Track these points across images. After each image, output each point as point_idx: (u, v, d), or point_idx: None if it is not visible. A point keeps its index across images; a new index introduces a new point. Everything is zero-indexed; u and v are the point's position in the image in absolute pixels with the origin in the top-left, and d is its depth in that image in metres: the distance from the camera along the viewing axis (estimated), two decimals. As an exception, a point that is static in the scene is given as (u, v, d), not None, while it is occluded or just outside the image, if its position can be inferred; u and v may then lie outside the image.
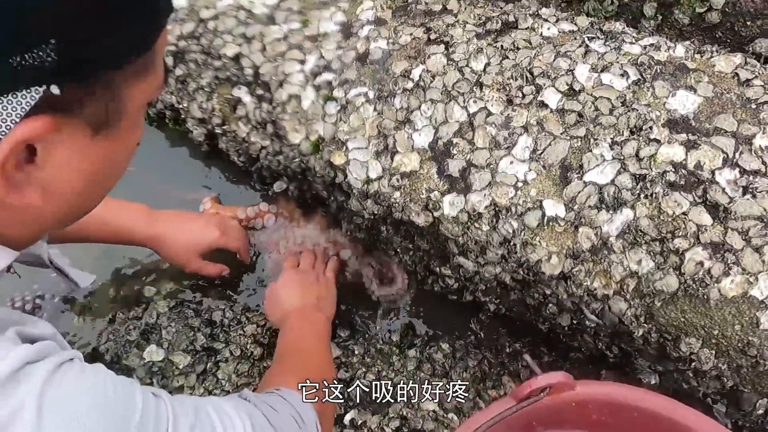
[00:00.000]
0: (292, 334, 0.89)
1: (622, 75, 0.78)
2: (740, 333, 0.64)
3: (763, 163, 0.67)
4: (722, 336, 0.65)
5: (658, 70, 0.78)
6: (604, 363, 0.90)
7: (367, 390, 0.93)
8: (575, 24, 0.89)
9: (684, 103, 0.74)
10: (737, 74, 0.76)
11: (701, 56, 0.80)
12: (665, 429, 0.57)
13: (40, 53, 0.37)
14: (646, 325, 0.70)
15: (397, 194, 0.85)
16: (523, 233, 0.75)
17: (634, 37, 0.85)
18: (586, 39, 0.85)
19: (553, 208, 0.73)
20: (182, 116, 1.17)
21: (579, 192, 0.72)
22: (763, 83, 0.74)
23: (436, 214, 0.82)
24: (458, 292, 1.03)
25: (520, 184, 0.76)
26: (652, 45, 0.82)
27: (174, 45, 1.11)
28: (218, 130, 1.11)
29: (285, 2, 1.06)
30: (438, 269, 0.99)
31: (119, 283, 1.14)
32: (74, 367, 0.45)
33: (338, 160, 0.90)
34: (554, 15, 0.92)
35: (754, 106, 0.72)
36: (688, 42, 0.84)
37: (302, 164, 0.97)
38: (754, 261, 0.63)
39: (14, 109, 0.38)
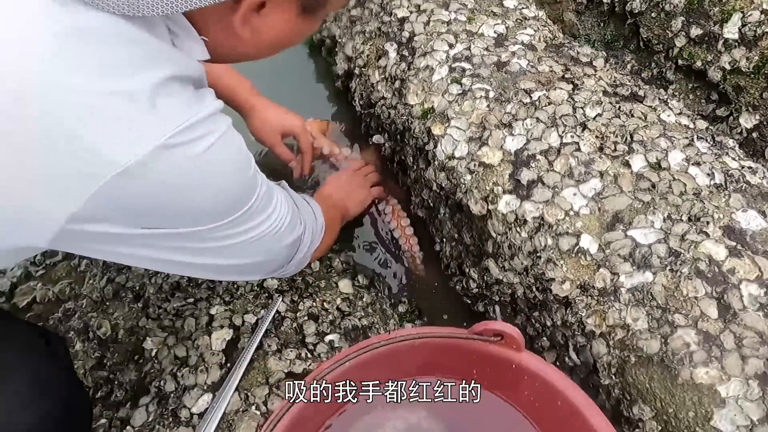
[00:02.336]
0: (326, 203, 1.07)
1: (708, 174, 0.84)
2: (691, 421, 0.67)
3: (791, 296, 0.70)
4: (675, 416, 0.69)
5: (743, 187, 0.83)
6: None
7: (357, 327, 1.02)
8: (693, 123, 0.96)
9: (749, 220, 0.78)
10: (813, 224, 0.79)
11: (790, 197, 0.84)
12: (578, 427, 0.61)
13: None
14: (614, 377, 0.75)
15: (468, 177, 0.95)
16: (552, 251, 0.81)
17: (738, 155, 0.90)
18: (696, 136, 0.91)
19: (589, 243, 0.80)
20: (336, 50, 1.33)
21: (617, 240, 0.78)
22: (831, 241, 0.77)
23: (490, 207, 0.91)
24: (474, 299, 1.10)
25: (571, 213, 0.83)
26: (749, 168, 0.87)
27: (361, -10, 1.27)
28: (357, 71, 1.25)
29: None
30: (468, 270, 1.07)
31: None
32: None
33: (437, 130, 1.01)
34: (679, 108, 0.99)
35: (811, 253, 0.75)
36: (787, 183, 0.87)
37: (406, 123, 1.09)
38: (735, 365, 0.67)
39: None
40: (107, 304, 1.09)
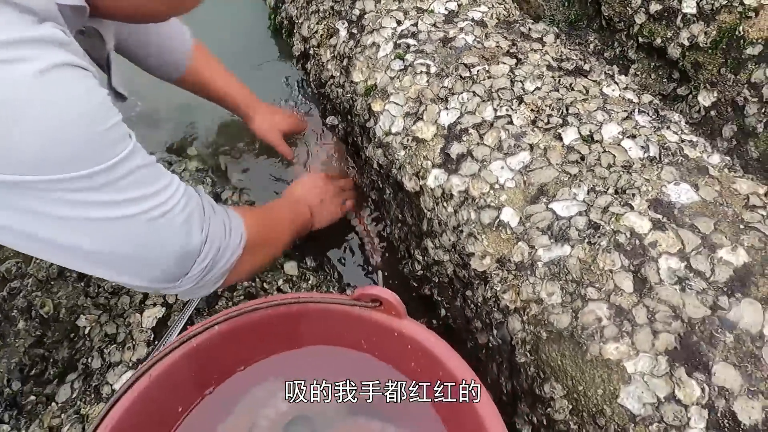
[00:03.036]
0: (277, 208, 1.02)
1: (642, 147, 0.80)
2: (599, 398, 0.64)
3: (712, 272, 0.66)
4: (584, 395, 0.65)
5: (678, 161, 0.79)
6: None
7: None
8: (639, 97, 0.92)
9: (680, 194, 0.74)
10: (748, 197, 0.75)
11: (728, 171, 0.79)
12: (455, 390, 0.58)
13: None
14: (530, 355, 0.72)
15: (402, 153, 0.92)
16: (473, 225, 0.79)
17: (681, 129, 0.86)
18: (636, 110, 0.87)
19: (510, 216, 0.76)
20: (294, 31, 1.32)
21: (537, 213, 0.75)
22: (765, 214, 0.73)
23: (421, 182, 0.88)
24: (420, 281, 1.07)
25: (496, 186, 0.80)
26: (690, 142, 0.83)
27: (317, -30, 1.25)
28: (311, 51, 1.24)
29: (419, -23, 1.17)
30: (412, 251, 1.04)
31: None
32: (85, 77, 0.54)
33: (376, 107, 0.99)
34: (627, 84, 0.95)
35: (741, 227, 0.71)
36: (728, 158, 0.83)
37: (351, 101, 1.07)
38: (646, 340, 0.63)
39: None
40: (52, 283, 1.09)
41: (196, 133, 1.35)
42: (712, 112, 1.04)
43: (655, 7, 1.08)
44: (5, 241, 0.57)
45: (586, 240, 0.71)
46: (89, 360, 0.92)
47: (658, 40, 1.09)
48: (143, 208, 0.60)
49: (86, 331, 0.98)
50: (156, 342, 0.91)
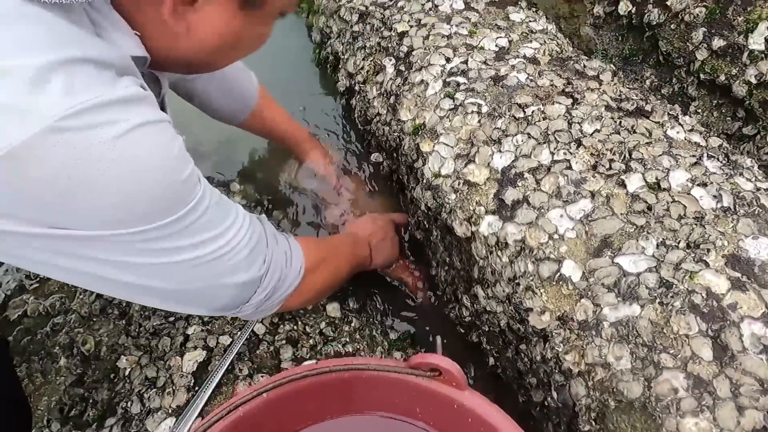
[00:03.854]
0: (338, 241, 1.02)
1: (714, 197, 0.75)
2: (677, 479, 0.58)
3: (803, 339, 0.60)
4: (658, 473, 0.59)
5: (755, 212, 0.73)
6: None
7: (339, 353, 0.97)
8: (706, 140, 0.86)
9: (760, 249, 0.69)
10: (837, 255, 0.68)
11: (812, 224, 0.73)
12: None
13: None
14: (595, 424, 0.66)
15: (453, 196, 0.88)
16: (531, 278, 0.74)
17: (755, 176, 0.80)
18: (705, 154, 0.82)
19: (571, 270, 0.72)
20: (339, 66, 1.31)
21: (602, 267, 0.70)
22: None
23: (473, 228, 0.84)
24: (468, 328, 1.02)
25: (556, 236, 0.75)
26: (767, 190, 0.77)
27: (364, 6, 1.25)
28: (357, 87, 1.22)
29: (469, 12, 1.15)
30: (461, 296, 1.00)
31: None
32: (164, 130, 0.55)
33: (425, 147, 0.96)
34: (692, 126, 0.89)
35: (832, 288, 0.64)
36: (810, 208, 0.77)
37: (398, 140, 1.04)
38: (730, 417, 0.57)
39: None
40: (94, 320, 1.08)
41: (239, 167, 1.34)
42: (784, 154, 0.97)
43: (718, 43, 1.03)
44: (73, 281, 0.59)
45: (658, 300, 0.66)
46: (128, 404, 0.90)
47: (722, 77, 1.03)
48: (212, 248, 0.62)
49: (126, 373, 0.96)
50: (196, 388, 0.89)
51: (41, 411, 1.00)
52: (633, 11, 1.17)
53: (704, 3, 1.05)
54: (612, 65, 1.06)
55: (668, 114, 0.90)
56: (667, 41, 1.12)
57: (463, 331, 1.03)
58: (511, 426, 0.56)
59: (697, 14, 1.05)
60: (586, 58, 1.07)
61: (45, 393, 1.02)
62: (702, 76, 1.07)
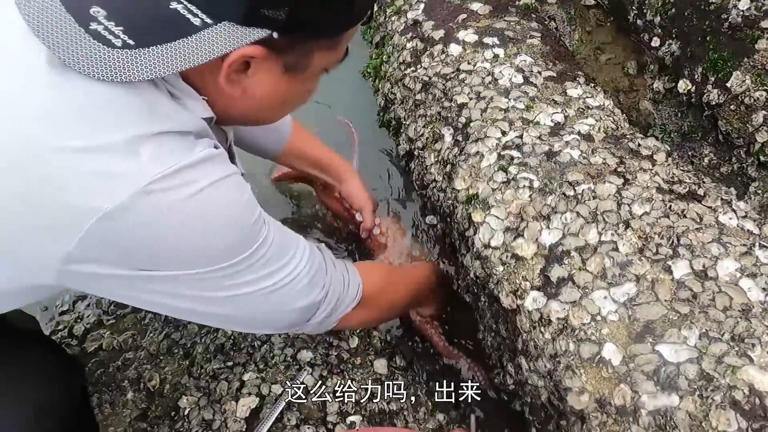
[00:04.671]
0: (406, 272, 1.12)
1: (764, 289, 0.75)
2: None
3: None
4: None
5: (807, 308, 0.73)
6: None
7: (383, 411, 1.00)
8: (760, 228, 0.86)
9: (809, 348, 0.68)
10: None
11: None
12: None
13: (277, 12, 0.57)
14: None
15: (500, 268, 0.92)
16: (572, 358, 0.76)
17: (810, 269, 0.79)
18: (757, 243, 0.82)
19: (612, 353, 0.73)
20: (401, 131, 1.38)
21: (643, 354, 0.71)
22: None
23: (518, 302, 0.87)
24: (511, 396, 1.04)
25: (598, 318, 0.77)
26: (821, 285, 0.76)
27: (427, 77, 1.32)
28: (416, 153, 1.28)
29: (527, 87, 1.20)
30: (505, 363, 1.02)
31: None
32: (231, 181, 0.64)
33: (477, 217, 1.00)
34: (746, 212, 0.90)
35: None
36: None
37: (452, 207, 1.09)
38: None
39: (250, 36, 0.58)
40: (161, 358, 1.17)
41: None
42: None
43: (779, 127, 1.03)
44: (155, 309, 0.69)
45: (697, 392, 0.66)
46: (186, 443, 0.97)
47: (783, 161, 1.03)
48: (276, 280, 0.70)
49: (186, 412, 1.03)
50: (248, 433, 0.94)
51: (107, 442, 1.08)
52: (692, 90, 1.19)
53: (765, 87, 1.06)
54: (666, 145, 1.07)
55: (721, 199, 0.91)
56: (726, 121, 1.12)
57: (506, 397, 1.05)
58: None
59: (758, 98, 1.06)
60: (641, 136, 1.10)
61: (112, 423, 1.10)
62: (762, 158, 1.06)
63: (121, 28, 0.54)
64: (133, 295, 0.65)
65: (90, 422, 1.01)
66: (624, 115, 1.22)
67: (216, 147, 0.64)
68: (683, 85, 1.21)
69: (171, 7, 0.55)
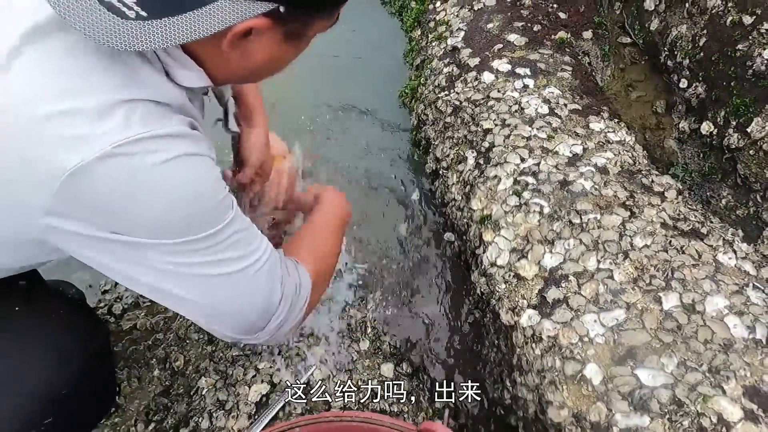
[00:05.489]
0: (319, 219, 1.02)
1: (748, 327, 0.78)
2: None
3: (806, 481, 0.62)
4: None
5: (789, 349, 0.76)
6: None
7: (384, 411, 1.07)
8: (757, 270, 0.89)
9: (783, 386, 0.71)
10: None
11: None
12: None
13: None
14: None
15: (502, 286, 0.97)
16: (556, 374, 0.81)
17: (800, 313, 0.82)
18: (751, 284, 0.85)
19: (594, 373, 0.78)
20: (429, 150, 1.45)
21: (621, 376, 0.75)
22: None
23: (515, 318, 0.92)
24: (507, 411, 1.08)
25: (586, 339, 0.82)
26: (808, 329, 0.79)
27: (458, 101, 1.39)
28: (441, 172, 1.35)
29: (551, 117, 1.26)
30: (504, 378, 1.07)
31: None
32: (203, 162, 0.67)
33: (487, 236, 1.06)
34: (747, 253, 0.93)
35: None
36: None
37: (467, 225, 1.15)
38: None
39: (257, 8, 0.61)
40: (187, 341, 1.27)
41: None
42: None
43: (794, 175, 1.05)
44: (109, 274, 0.71)
45: (668, 416, 0.70)
46: (200, 420, 1.06)
47: (796, 208, 1.05)
48: (237, 267, 0.72)
49: (203, 392, 1.12)
50: (256, 416, 1.02)
51: (131, 411, 1.18)
52: (715, 132, 1.22)
53: (783, 135, 1.08)
54: (680, 184, 1.11)
55: (724, 239, 0.94)
56: (745, 165, 1.15)
57: (503, 412, 1.09)
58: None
59: (776, 144, 1.08)
60: (657, 173, 1.14)
61: (137, 396, 1.20)
62: (777, 203, 1.09)
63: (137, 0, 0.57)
64: (102, 261, 0.67)
65: (109, 383, 1.10)
66: (645, 151, 1.26)
67: (193, 127, 0.67)
68: (706, 127, 1.25)
69: None
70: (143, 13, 0.57)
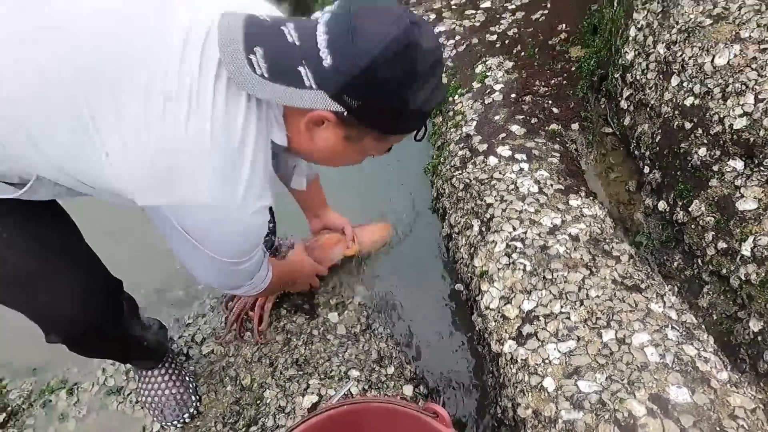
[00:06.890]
0: (289, 269, 1.51)
1: (660, 355, 1.11)
2: None
3: (680, 454, 0.94)
4: None
5: (687, 370, 1.08)
6: None
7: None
8: (678, 316, 1.22)
9: (678, 394, 1.03)
10: (734, 409, 1.01)
11: (730, 387, 1.06)
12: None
13: (353, 101, 0.82)
14: (543, 485, 1.03)
15: (492, 324, 1.32)
16: (524, 385, 1.14)
17: (703, 347, 1.14)
18: (670, 326, 1.18)
19: (549, 384, 1.11)
20: (445, 218, 1.83)
21: (567, 385, 1.09)
22: (745, 426, 0.98)
23: (501, 347, 1.26)
24: (501, 424, 1.40)
25: (546, 361, 1.15)
26: (705, 358, 1.11)
27: (468, 180, 1.77)
28: (453, 235, 1.72)
29: (539, 195, 1.62)
30: (498, 398, 1.39)
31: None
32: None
33: (484, 287, 1.41)
34: (672, 303, 1.26)
35: (718, 429, 0.97)
36: (737, 375, 1.09)
37: (470, 278, 1.51)
38: (615, 489, 0.92)
39: (332, 106, 0.83)
40: (253, 364, 1.63)
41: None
42: (759, 338, 1.27)
43: (721, 245, 1.38)
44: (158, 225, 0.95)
45: (595, 412, 1.03)
46: (266, 420, 1.41)
47: (724, 271, 1.37)
48: (246, 266, 1.05)
49: (268, 401, 1.47)
50: (308, 418, 1.37)
51: (210, 416, 1.54)
52: (668, 209, 1.56)
53: (713, 214, 1.42)
54: (633, 249, 1.45)
55: (657, 293, 1.28)
56: (689, 236, 1.48)
57: (496, 424, 1.41)
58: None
59: (708, 221, 1.42)
60: (618, 240, 1.48)
61: (214, 406, 1.56)
62: (710, 267, 1.41)
63: (266, 66, 0.80)
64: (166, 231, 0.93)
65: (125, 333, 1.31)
66: (613, 222, 1.60)
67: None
68: (662, 205, 1.59)
69: (298, 68, 0.81)
70: (266, 75, 0.81)
